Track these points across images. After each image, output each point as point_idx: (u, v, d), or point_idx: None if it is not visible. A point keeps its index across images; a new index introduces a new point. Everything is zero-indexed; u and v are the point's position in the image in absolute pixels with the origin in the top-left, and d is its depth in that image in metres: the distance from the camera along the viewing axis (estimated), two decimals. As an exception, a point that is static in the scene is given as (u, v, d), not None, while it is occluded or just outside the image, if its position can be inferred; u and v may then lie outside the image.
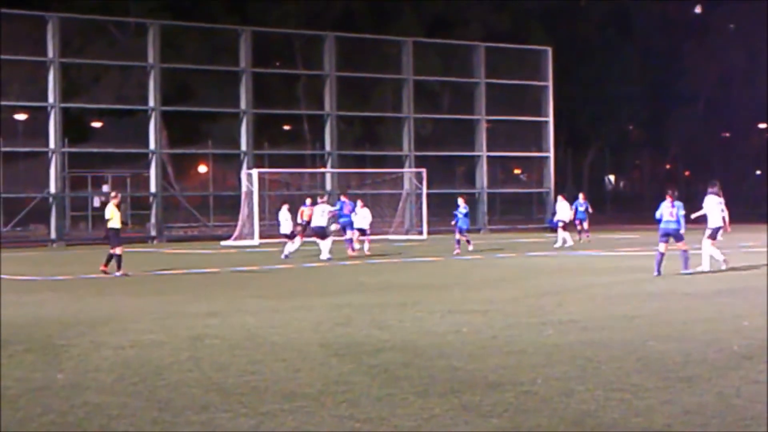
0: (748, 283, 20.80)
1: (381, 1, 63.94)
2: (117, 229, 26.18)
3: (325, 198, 36.07)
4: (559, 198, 38.52)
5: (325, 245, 31.13)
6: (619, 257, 31.48)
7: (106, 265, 25.95)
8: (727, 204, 24.66)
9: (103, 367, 11.68)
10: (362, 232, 34.38)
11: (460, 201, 35.15)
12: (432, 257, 32.41)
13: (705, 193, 25.04)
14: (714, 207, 24.40)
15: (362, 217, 34.62)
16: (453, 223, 34.86)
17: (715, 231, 24.29)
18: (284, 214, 33.13)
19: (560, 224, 37.07)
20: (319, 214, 31.80)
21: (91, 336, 14.20)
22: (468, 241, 34.77)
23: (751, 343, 12.74)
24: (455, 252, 33.73)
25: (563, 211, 37.24)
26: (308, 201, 34.25)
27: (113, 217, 26.13)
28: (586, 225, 39.02)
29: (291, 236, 32.84)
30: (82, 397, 9.97)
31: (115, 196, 26.82)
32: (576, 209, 38.64)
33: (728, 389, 10.01)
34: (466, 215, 34.81)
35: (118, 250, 25.99)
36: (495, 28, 64.44)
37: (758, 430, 8.45)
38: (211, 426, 8.74)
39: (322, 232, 31.58)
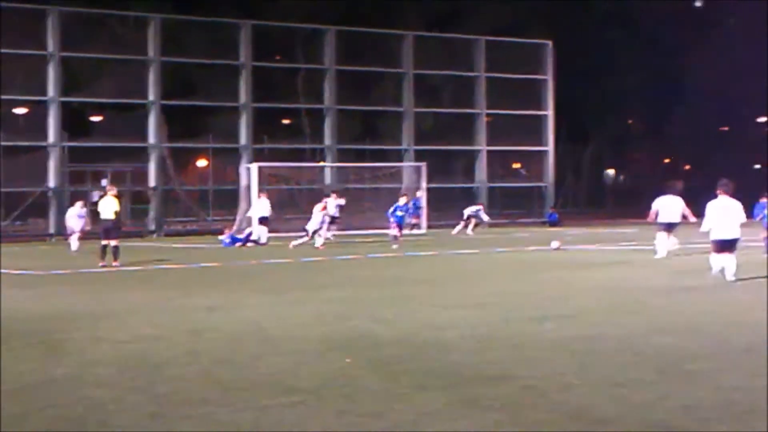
0: (749, 276, 20.77)
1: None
2: (116, 221, 26.97)
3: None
4: None
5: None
6: (619, 251, 31.47)
7: (103, 258, 26.49)
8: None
9: (103, 361, 11.69)
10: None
11: (402, 199, 37.31)
12: (431, 251, 32.39)
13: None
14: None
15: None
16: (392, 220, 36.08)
17: None
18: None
19: None
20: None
21: (91, 330, 14.21)
22: (396, 237, 35.34)
23: (751, 338, 12.74)
24: (393, 246, 34.21)
25: None
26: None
27: (117, 208, 27.18)
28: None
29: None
30: (81, 391, 9.98)
31: (112, 188, 28.09)
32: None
33: (728, 383, 10.00)
34: (406, 211, 37.22)
35: (114, 242, 26.78)
36: (495, 22, 64.28)
37: (758, 424, 8.43)
38: (210, 420, 8.74)
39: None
